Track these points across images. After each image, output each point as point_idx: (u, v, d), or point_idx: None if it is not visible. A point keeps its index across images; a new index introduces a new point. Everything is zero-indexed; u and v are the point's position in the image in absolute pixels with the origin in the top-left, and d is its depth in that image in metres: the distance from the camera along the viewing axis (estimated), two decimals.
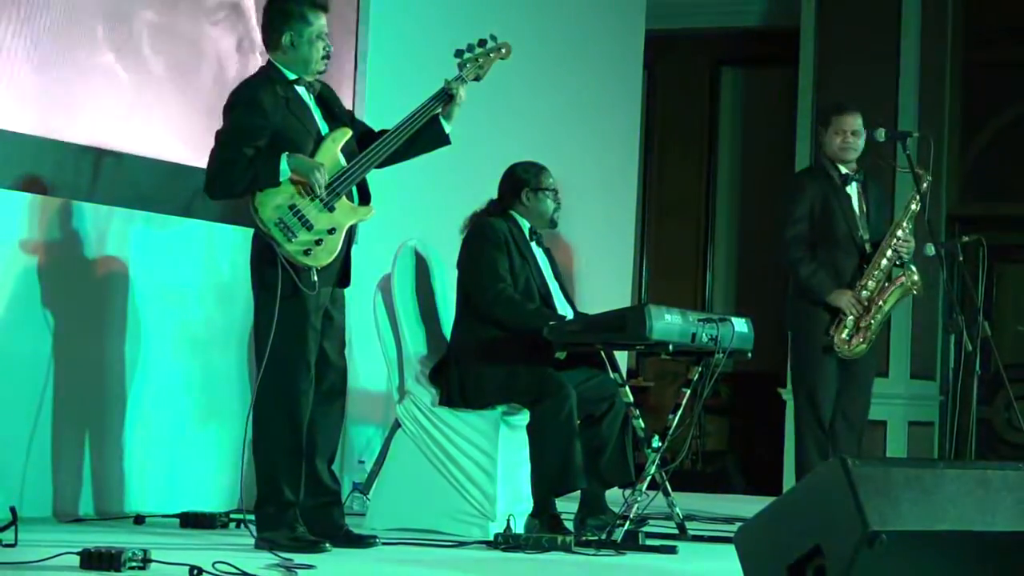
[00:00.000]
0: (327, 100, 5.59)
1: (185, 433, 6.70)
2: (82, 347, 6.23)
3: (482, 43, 5.76)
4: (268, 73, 5.48)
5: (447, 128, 5.65)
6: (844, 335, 6.82)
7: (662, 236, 11.21)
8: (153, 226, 6.53)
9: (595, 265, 9.23)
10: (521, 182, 6.46)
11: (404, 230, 6.71)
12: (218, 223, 6.73)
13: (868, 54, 10.04)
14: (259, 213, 5.29)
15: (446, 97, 5.62)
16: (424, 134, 5.63)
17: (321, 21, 5.45)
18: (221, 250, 6.80)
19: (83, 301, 6.26)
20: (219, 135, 5.38)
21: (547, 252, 6.58)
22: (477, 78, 5.74)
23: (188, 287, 6.70)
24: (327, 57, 5.49)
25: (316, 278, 5.30)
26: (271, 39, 5.48)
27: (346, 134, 5.51)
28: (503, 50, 5.78)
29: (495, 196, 6.49)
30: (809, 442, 6.83)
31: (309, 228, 5.31)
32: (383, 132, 5.59)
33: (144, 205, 6.48)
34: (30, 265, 6.05)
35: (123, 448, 6.41)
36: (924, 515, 3.74)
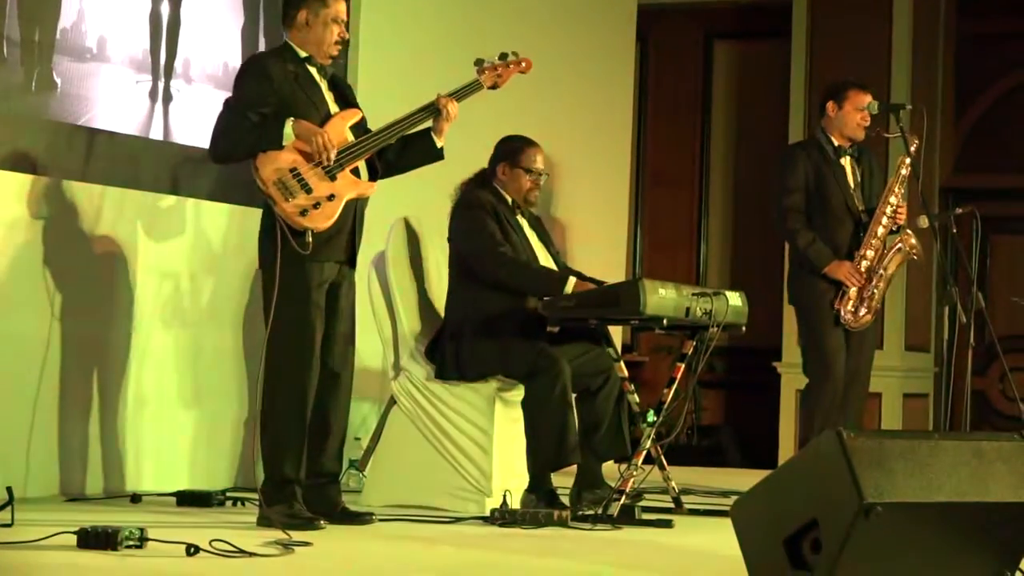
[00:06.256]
0: (340, 86, 5.67)
1: (181, 411, 6.70)
2: (77, 327, 6.21)
3: (503, 56, 5.84)
4: (281, 50, 5.59)
5: (438, 143, 5.68)
6: (850, 307, 6.79)
7: (656, 209, 11.19)
8: (146, 205, 6.52)
9: (589, 238, 9.22)
10: (501, 155, 6.44)
11: (396, 205, 6.69)
12: (210, 201, 6.73)
13: (861, 26, 10.01)
14: (259, 172, 5.33)
15: (435, 111, 5.64)
16: (415, 145, 5.69)
17: (340, 6, 5.55)
18: (214, 228, 6.79)
19: (78, 281, 6.24)
20: (227, 101, 5.48)
21: (536, 221, 6.55)
22: (494, 86, 5.83)
23: (181, 265, 6.69)
24: (341, 43, 5.55)
25: (311, 239, 5.31)
26: (288, 16, 5.58)
27: (356, 115, 5.58)
28: (523, 64, 5.89)
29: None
30: (819, 414, 6.76)
31: (308, 192, 5.33)
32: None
33: (136, 184, 6.47)
34: (24, 245, 6.03)
35: (118, 427, 6.40)
36: (919, 487, 3.75)
